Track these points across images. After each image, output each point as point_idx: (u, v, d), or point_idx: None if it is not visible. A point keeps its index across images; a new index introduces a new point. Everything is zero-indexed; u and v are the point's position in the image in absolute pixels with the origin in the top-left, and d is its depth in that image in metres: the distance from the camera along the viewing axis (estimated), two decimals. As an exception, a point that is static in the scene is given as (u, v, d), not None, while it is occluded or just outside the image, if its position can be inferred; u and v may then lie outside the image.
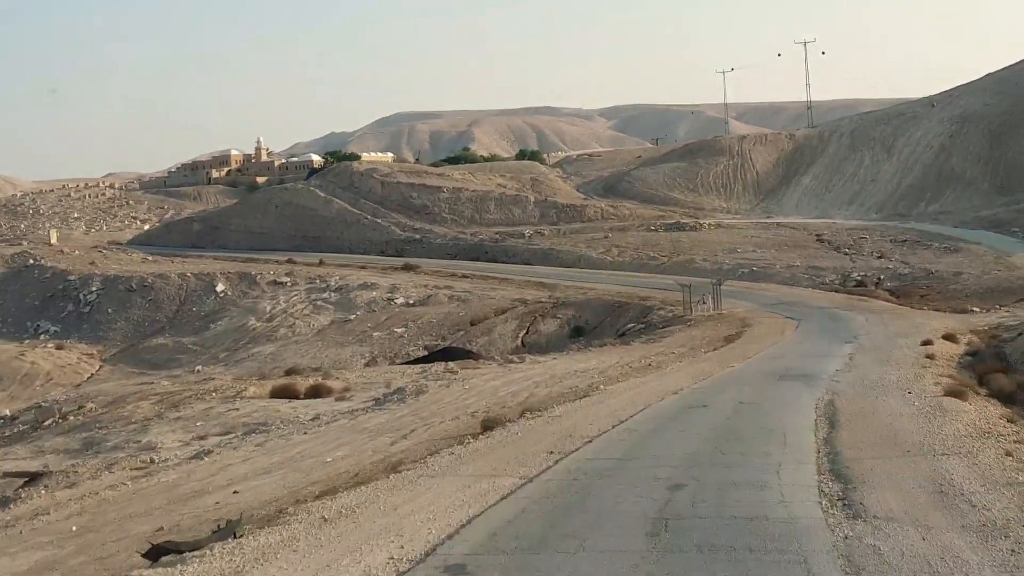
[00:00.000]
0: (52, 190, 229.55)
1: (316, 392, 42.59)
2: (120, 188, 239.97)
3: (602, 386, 34.54)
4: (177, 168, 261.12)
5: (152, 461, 27.21)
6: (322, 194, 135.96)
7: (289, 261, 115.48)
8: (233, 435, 32.89)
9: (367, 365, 78.20)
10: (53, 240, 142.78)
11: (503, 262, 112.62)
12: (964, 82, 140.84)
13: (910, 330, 53.26)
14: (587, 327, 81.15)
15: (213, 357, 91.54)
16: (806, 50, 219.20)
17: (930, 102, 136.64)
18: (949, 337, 48.37)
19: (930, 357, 39.76)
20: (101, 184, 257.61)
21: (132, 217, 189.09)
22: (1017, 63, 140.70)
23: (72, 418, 42.47)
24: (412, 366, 58.06)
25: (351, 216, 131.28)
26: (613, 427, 23.23)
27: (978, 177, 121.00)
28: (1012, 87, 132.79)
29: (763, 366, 39.36)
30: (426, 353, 73.81)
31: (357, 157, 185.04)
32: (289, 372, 57.65)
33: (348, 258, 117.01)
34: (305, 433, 30.55)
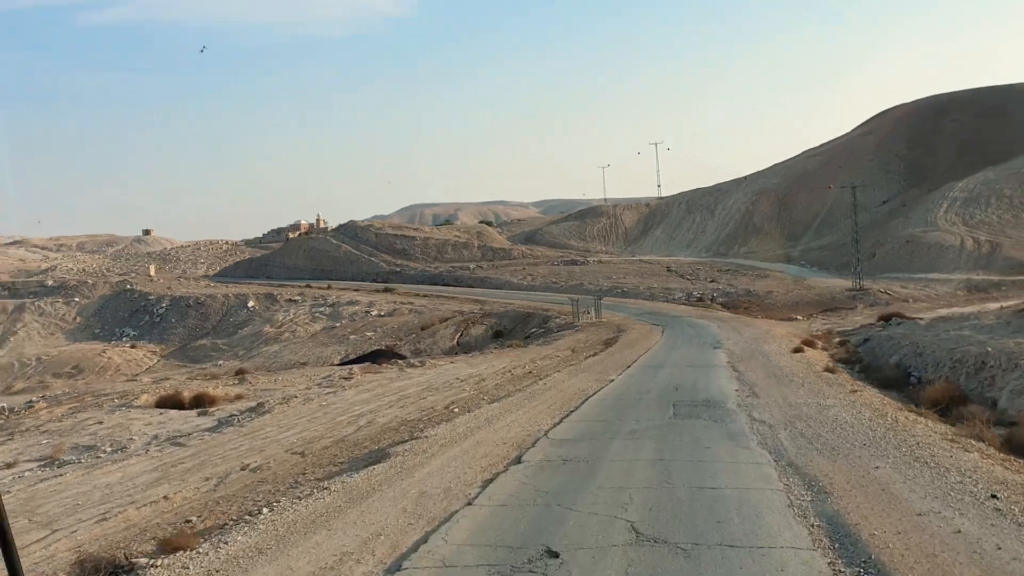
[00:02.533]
0: (189, 245, 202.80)
1: (199, 402, 24.99)
2: (232, 243, 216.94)
3: (455, 410, 17.44)
4: (269, 231, 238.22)
5: None
6: (335, 241, 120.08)
7: (307, 286, 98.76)
8: (41, 462, 15.78)
9: (341, 361, 63.17)
10: (152, 273, 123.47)
11: (454, 286, 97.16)
12: (761, 168, 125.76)
13: (762, 335, 36.26)
14: (505, 331, 65.36)
15: (235, 355, 74.65)
16: (656, 149, 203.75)
17: (743, 178, 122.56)
18: (808, 343, 31.14)
19: (830, 371, 22.63)
20: (222, 242, 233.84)
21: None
22: (795, 156, 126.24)
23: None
24: (340, 367, 40.76)
25: (353, 256, 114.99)
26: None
27: (773, 230, 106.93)
28: (791, 171, 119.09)
29: (647, 382, 22.05)
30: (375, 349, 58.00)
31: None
32: (239, 372, 40.85)
33: (348, 284, 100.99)
34: (114, 463, 14.51)
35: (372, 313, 77.72)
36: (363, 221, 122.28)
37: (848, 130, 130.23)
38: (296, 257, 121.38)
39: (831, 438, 11.41)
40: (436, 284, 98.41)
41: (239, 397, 25.79)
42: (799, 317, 50.55)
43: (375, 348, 61.02)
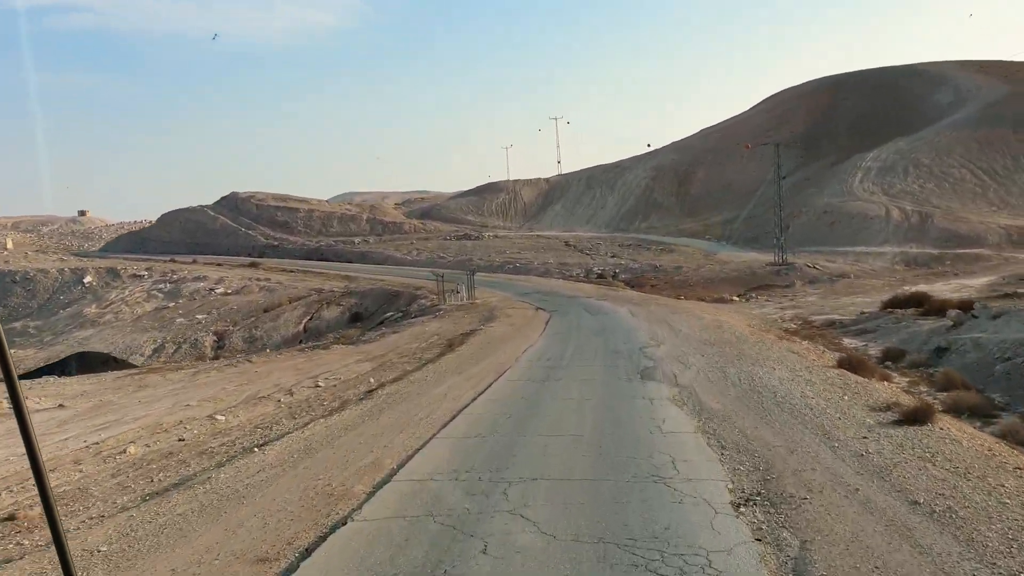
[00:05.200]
0: (114, 225, 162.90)
1: None
2: (150, 222, 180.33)
3: None
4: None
5: None
6: (212, 213, 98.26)
7: (172, 260, 77.55)
8: None
9: (154, 351, 44.42)
10: (9, 246, 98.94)
11: (333, 261, 77.50)
12: (660, 146, 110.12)
13: (711, 330, 19.01)
14: (365, 313, 47.81)
15: (40, 341, 54.57)
16: (556, 124, 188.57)
17: (647, 153, 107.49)
18: (855, 364, 13.68)
19: None
20: (145, 221, 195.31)
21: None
22: (693, 134, 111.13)
23: None
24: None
25: (230, 228, 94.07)
26: None
27: (673, 205, 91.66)
28: (689, 148, 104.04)
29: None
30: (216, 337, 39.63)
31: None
32: None
33: (215, 259, 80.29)
34: None
35: (217, 291, 57.98)
36: (246, 192, 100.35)
37: (744, 110, 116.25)
38: (172, 231, 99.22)
39: None
40: (314, 259, 78.94)
41: None
42: (735, 297, 34.02)
43: (200, 332, 41.62)
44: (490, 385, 13.11)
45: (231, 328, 48.33)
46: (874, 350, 18.16)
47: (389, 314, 40.82)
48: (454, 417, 10.39)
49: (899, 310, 22.29)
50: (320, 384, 16.47)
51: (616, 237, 78.35)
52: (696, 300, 35.77)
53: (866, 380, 12.33)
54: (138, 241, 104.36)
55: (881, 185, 64.99)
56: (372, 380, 15.99)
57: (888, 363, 15.58)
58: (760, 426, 9.13)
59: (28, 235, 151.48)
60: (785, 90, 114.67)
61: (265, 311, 50.58)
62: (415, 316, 36.90)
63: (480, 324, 25.56)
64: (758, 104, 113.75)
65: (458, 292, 36.26)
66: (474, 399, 11.75)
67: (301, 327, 47.92)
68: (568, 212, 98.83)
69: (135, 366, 36.65)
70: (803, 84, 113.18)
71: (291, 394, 15.31)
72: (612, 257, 65.48)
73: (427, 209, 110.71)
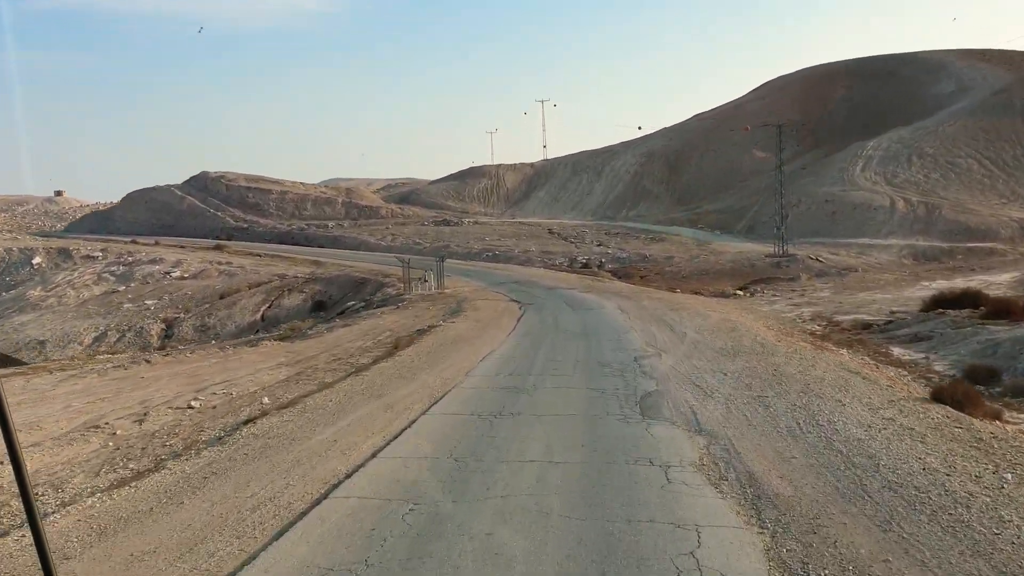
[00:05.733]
0: (88, 205, 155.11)
1: None
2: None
3: None
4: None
5: None
6: (179, 193, 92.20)
7: (133, 241, 71.82)
8: None
9: (95, 340, 39.23)
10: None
11: (304, 245, 71.91)
12: (650, 132, 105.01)
13: (723, 335, 14.15)
14: (329, 301, 42.91)
15: None
16: (543, 106, 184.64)
17: (638, 127, 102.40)
18: (963, 397, 8.61)
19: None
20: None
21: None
22: (685, 120, 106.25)
23: None
24: None
25: (198, 209, 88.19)
26: None
27: (663, 193, 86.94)
28: (680, 134, 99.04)
29: None
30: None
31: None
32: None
33: (179, 240, 74.84)
34: None
35: (173, 275, 52.75)
36: (216, 172, 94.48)
37: (737, 96, 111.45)
38: (137, 211, 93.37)
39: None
40: (284, 243, 73.60)
41: None
42: (737, 291, 29.31)
43: (148, 319, 36.86)
44: (411, 423, 8.41)
45: (182, 315, 43.24)
46: (940, 365, 13.56)
47: (351, 303, 35.93)
48: (313, 507, 5.68)
49: (950, 311, 17.76)
50: (195, 405, 11.73)
51: (603, 225, 73.59)
52: (692, 294, 31.15)
53: (998, 427, 7.75)
54: (102, 221, 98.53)
55: (884, 174, 60.56)
56: (267, 400, 11.30)
57: (979, 387, 11.03)
58: (880, 547, 4.57)
59: (3, 215, 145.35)
60: (779, 77, 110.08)
61: (221, 297, 45.47)
62: (377, 306, 32.16)
63: (442, 319, 20.82)
64: (752, 91, 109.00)
65: (425, 281, 31.46)
66: (372, 456, 7.05)
67: (259, 315, 42.98)
68: (553, 199, 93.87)
69: (24, 363, 31.54)
70: (796, 72, 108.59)
71: (142, 421, 10.57)
72: (598, 246, 60.83)
73: (406, 194, 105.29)
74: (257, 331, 39.81)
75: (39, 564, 2.32)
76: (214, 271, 53.03)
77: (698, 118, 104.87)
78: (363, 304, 35.09)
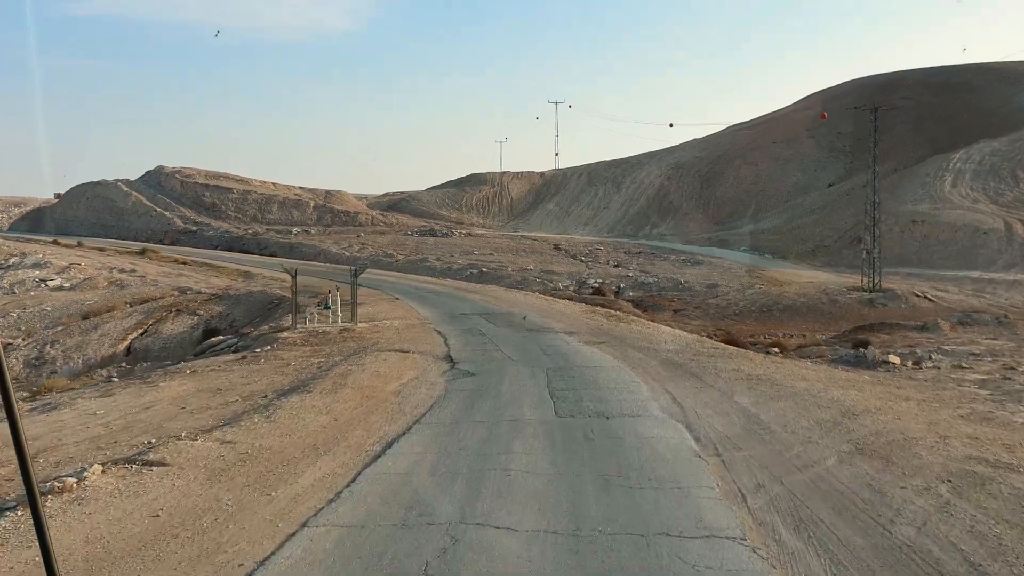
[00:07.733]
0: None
1: None
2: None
3: None
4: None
5: None
6: (125, 188, 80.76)
7: (55, 242, 60.48)
8: None
9: None
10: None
11: (253, 253, 60.12)
12: (679, 142, 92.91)
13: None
14: (227, 328, 29.41)
15: None
16: (556, 108, 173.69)
17: (669, 124, 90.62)
18: None
19: None
20: None
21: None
22: (721, 131, 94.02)
23: None
24: None
25: (144, 208, 76.58)
26: None
27: (693, 209, 74.56)
28: (715, 145, 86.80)
29: None
30: None
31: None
32: None
33: (110, 243, 63.33)
34: None
35: (50, 284, 40.49)
36: (172, 167, 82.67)
37: (779, 107, 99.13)
38: (77, 208, 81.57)
39: None
40: (233, 250, 61.59)
41: None
42: (859, 348, 16.30)
43: None
44: None
45: (19, 341, 30.84)
46: None
47: (226, 339, 23.40)
48: None
49: None
50: None
51: (622, 243, 60.99)
52: (771, 344, 18.56)
53: None
54: (38, 220, 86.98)
55: (985, 191, 47.73)
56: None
57: None
58: None
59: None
60: (829, 88, 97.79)
61: (85, 317, 33.01)
62: (251, 344, 19.77)
63: (296, 391, 8.33)
64: (798, 101, 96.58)
65: (327, 307, 18.86)
66: None
67: (124, 345, 30.44)
68: (563, 211, 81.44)
69: None
70: (844, 83, 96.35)
71: None
72: (615, 267, 48.21)
73: (396, 201, 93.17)
74: (119, 363, 27.45)
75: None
76: (103, 280, 40.74)
77: (734, 128, 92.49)
78: (243, 338, 22.61)
